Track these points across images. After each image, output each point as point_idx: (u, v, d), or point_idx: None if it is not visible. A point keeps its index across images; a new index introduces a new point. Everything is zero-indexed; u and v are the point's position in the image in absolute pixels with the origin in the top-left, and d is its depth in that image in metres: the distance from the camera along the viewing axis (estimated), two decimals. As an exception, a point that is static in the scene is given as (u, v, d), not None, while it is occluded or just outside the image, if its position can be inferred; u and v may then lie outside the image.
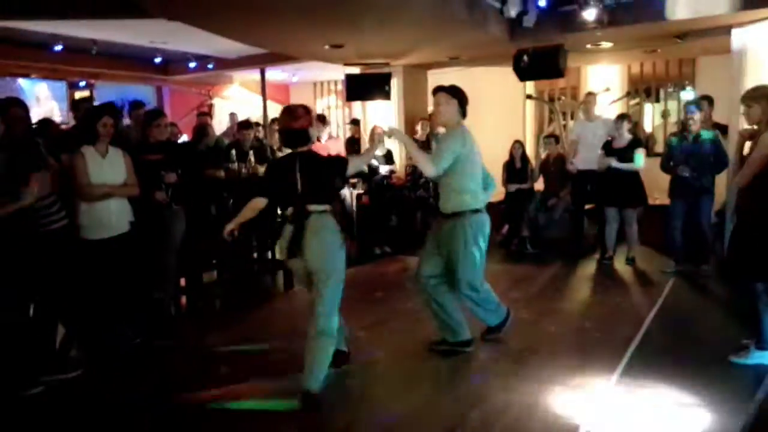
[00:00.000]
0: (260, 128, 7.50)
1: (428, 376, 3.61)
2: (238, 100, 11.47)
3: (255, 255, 6.36)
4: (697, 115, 5.59)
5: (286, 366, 3.65)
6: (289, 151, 3.42)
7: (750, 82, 5.76)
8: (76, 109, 5.62)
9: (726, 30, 6.51)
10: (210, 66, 9.92)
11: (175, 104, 10.97)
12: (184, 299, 5.21)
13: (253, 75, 10.44)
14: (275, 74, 10.80)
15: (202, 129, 6.41)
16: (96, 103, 6.02)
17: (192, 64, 9.86)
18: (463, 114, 3.74)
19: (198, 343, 4.26)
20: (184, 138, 8.17)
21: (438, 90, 3.76)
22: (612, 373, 3.45)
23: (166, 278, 4.70)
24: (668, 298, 4.98)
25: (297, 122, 3.25)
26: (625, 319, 4.46)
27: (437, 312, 3.82)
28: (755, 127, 3.44)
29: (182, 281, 5.18)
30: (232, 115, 8.65)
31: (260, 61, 9.57)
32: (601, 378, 3.40)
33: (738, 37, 6.52)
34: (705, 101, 6.13)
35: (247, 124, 6.73)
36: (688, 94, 9.11)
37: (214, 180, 5.73)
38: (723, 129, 6.06)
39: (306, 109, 3.40)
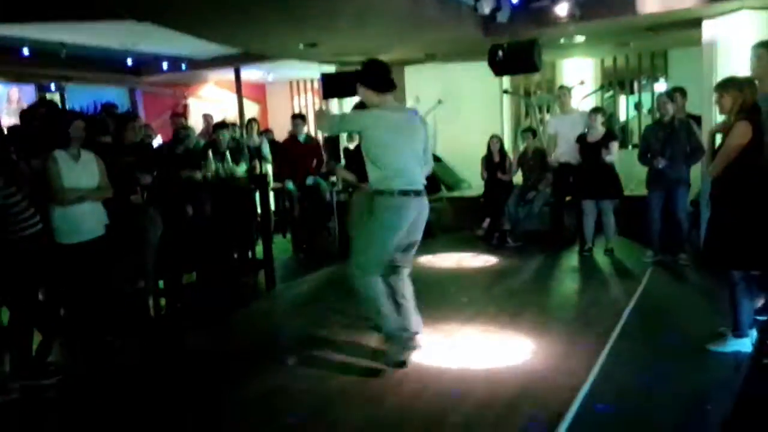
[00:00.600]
0: (236, 128, 7.43)
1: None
2: (214, 100, 11.34)
3: (235, 255, 6.30)
4: (669, 105, 5.68)
5: (265, 367, 3.64)
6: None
7: (721, 73, 5.87)
8: (28, 116, 5.29)
9: (696, 22, 6.63)
10: (183, 67, 9.78)
11: (149, 106, 10.80)
12: (163, 301, 5.14)
13: (228, 74, 10.32)
14: (250, 73, 10.69)
15: (181, 132, 6.32)
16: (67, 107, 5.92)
17: (165, 65, 9.71)
18: (378, 89, 3.45)
19: (177, 345, 4.20)
20: (158, 140, 8.06)
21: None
22: (594, 362, 3.48)
23: (144, 280, 4.65)
24: (647, 288, 5.05)
25: None
26: (605, 310, 4.51)
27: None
28: (724, 121, 3.49)
29: (161, 283, 5.12)
30: (206, 116, 8.52)
31: (235, 61, 9.47)
32: (583, 367, 3.43)
33: (708, 30, 6.64)
34: (678, 93, 6.21)
35: (222, 125, 6.67)
36: (661, 86, 9.26)
37: (191, 181, 5.67)
38: (696, 120, 6.16)
39: None
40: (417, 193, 3.48)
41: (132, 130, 4.83)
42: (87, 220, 3.95)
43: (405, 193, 3.42)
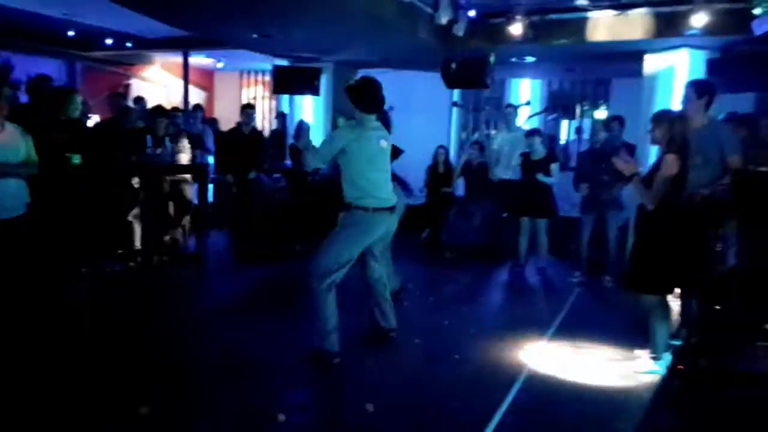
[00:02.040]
0: (179, 114, 7.18)
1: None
2: (159, 83, 10.95)
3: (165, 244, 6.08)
4: (603, 132, 5.93)
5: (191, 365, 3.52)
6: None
7: (659, 104, 6.17)
8: None
9: (639, 55, 6.93)
10: (129, 44, 9.39)
11: (89, 82, 10.31)
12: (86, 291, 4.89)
13: (176, 58, 10.00)
14: (199, 59, 10.40)
15: (124, 110, 6.03)
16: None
17: (109, 41, 9.30)
18: (364, 109, 3.69)
19: (99, 341, 4.00)
20: (96, 119, 7.69)
21: None
22: (518, 377, 3.55)
23: (65, 266, 4.42)
24: (573, 307, 5.21)
25: None
26: (531, 326, 4.61)
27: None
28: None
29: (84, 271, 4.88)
30: (140, 99, 8.12)
31: (184, 45, 9.18)
32: (507, 380, 3.49)
33: (649, 63, 6.96)
34: (616, 121, 6.46)
35: (159, 111, 6.42)
36: (602, 113, 9.63)
37: (127, 165, 5.43)
38: (631, 148, 6.41)
39: None
40: (390, 210, 3.71)
41: (69, 105, 4.59)
42: (7, 198, 3.71)
43: (379, 210, 3.62)
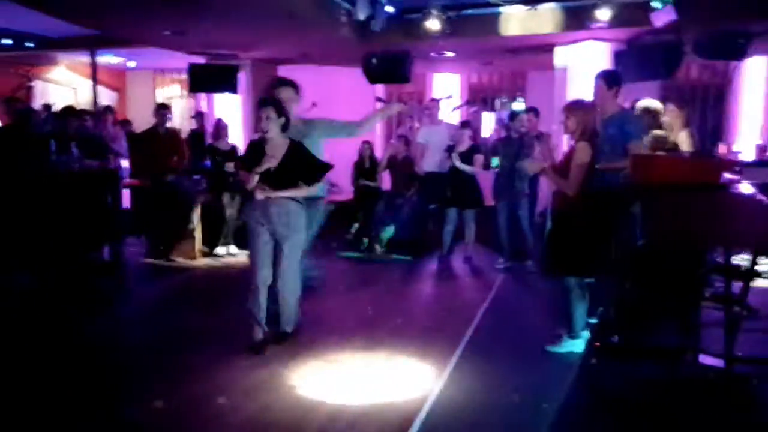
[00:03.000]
0: (88, 117, 6.80)
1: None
2: (65, 84, 10.33)
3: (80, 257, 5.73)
4: (525, 121, 6.13)
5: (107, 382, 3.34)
6: None
7: (570, 95, 6.43)
8: None
9: (551, 48, 7.20)
10: (30, 44, 8.79)
11: (-14, 85, 9.59)
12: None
13: (83, 57, 9.46)
14: (109, 58, 9.89)
15: (24, 112, 5.62)
16: None
17: (6, 41, 8.67)
18: None
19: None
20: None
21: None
22: (447, 362, 3.61)
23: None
24: (498, 292, 5.36)
25: None
26: (460, 312, 4.71)
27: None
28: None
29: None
30: (47, 106, 7.67)
31: (90, 44, 8.69)
32: (437, 366, 3.54)
33: (560, 55, 7.24)
34: (531, 112, 6.68)
35: (71, 111, 6.07)
36: (519, 105, 9.94)
37: (30, 174, 5.07)
38: (546, 139, 6.65)
39: None
40: None
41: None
42: None
43: None
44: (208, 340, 4.01)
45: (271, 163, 3.68)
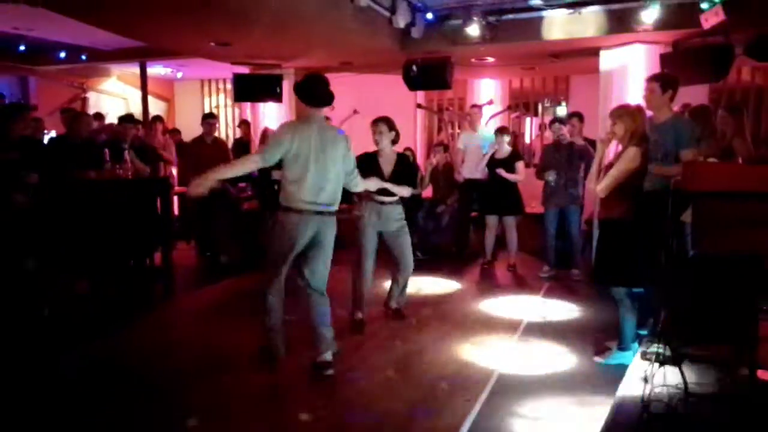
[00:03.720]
0: (140, 126, 7.05)
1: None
2: (117, 95, 10.71)
3: (131, 262, 5.94)
4: (564, 129, 6.04)
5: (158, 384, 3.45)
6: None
7: (615, 99, 6.30)
8: None
9: (595, 51, 7.07)
10: (83, 57, 9.16)
11: (44, 97, 10.01)
12: (46, 311, 4.74)
13: (133, 69, 9.79)
14: (158, 69, 10.20)
15: (74, 118, 5.82)
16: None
17: (62, 54, 9.05)
18: (308, 102, 3.62)
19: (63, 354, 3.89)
20: (52, 135, 7.49)
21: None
22: (492, 373, 3.58)
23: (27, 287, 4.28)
24: (543, 302, 5.29)
25: None
26: (504, 321, 4.67)
27: None
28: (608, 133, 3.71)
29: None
30: (99, 116, 7.95)
31: (140, 55, 8.97)
32: (482, 376, 3.52)
33: (605, 59, 7.10)
34: (575, 117, 6.58)
35: (129, 119, 6.30)
36: (562, 110, 9.79)
37: (85, 181, 5.28)
38: (592, 143, 6.55)
39: None
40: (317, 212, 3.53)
41: (20, 122, 4.46)
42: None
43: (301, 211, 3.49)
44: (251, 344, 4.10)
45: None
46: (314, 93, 3.60)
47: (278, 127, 3.74)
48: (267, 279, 3.66)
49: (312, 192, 3.48)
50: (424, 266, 6.71)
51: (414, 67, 7.24)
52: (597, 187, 3.61)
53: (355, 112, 8.94)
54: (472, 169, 6.83)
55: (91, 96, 10.35)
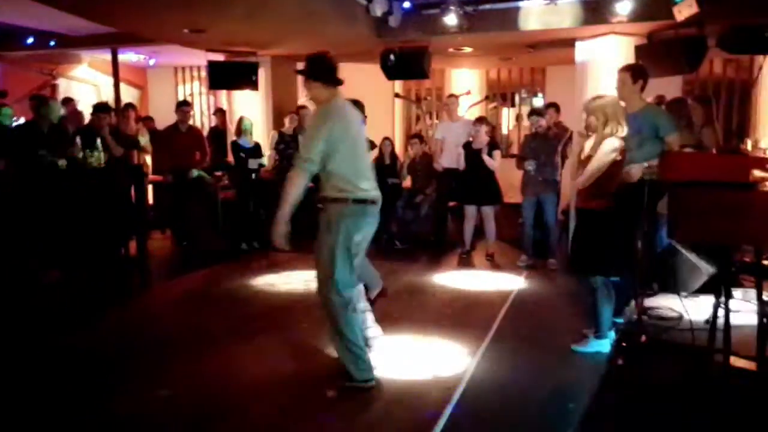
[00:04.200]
0: (112, 114, 6.89)
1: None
2: (87, 82, 10.45)
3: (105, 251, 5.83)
4: (542, 120, 6.09)
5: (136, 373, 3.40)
6: None
7: (591, 90, 6.36)
8: None
9: (570, 43, 7.12)
10: (52, 43, 8.90)
11: (12, 83, 9.72)
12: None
13: (105, 55, 9.56)
14: (130, 56, 9.98)
15: (40, 101, 5.65)
16: None
17: (30, 40, 8.79)
18: (331, 82, 3.24)
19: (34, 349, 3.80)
20: (21, 121, 7.28)
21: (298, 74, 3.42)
22: (470, 362, 3.61)
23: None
24: (520, 291, 5.34)
25: None
26: (482, 310, 4.71)
27: None
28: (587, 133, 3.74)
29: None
30: (69, 101, 7.77)
31: (112, 41, 8.76)
32: (460, 366, 3.54)
33: (581, 50, 7.16)
34: (552, 108, 6.64)
35: (103, 107, 6.16)
36: (538, 101, 9.86)
37: (54, 169, 5.16)
38: (569, 132, 6.61)
39: None
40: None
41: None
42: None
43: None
44: (223, 335, 4.06)
45: None
46: (334, 71, 3.26)
47: (309, 120, 3.35)
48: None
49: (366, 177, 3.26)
50: (402, 256, 6.74)
51: (392, 57, 7.21)
52: (577, 179, 3.64)
53: None
54: (451, 159, 6.84)
55: (61, 82, 10.09)
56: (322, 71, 3.24)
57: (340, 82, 3.29)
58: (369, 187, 3.28)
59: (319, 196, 3.25)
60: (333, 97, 3.25)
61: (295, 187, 3.10)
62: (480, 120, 6.68)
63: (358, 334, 3.26)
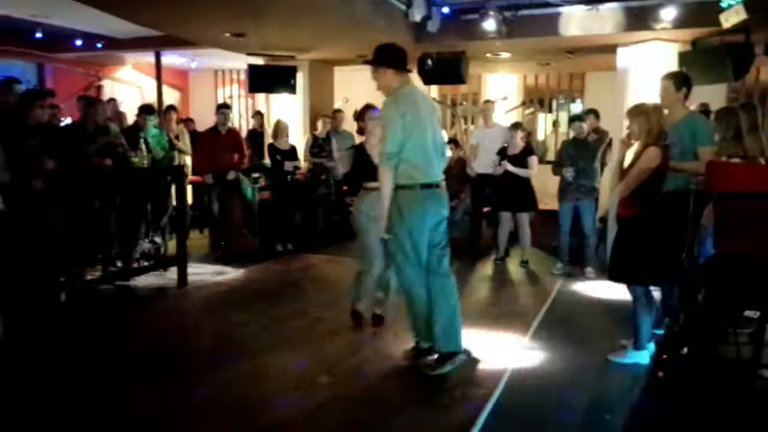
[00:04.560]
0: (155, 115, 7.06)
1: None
2: (132, 84, 10.76)
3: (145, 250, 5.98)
4: (585, 126, 6.00)
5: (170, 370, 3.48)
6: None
7: (631, 97, 6.26)
8: None
9: (612, 49, 7.03)
10: (99, 45, 9.21)
11: (60, 84, 10.07)
12: (63, 295, 4.78)
13: (148, 58, 9.83)
14: (173, 59, 10.24)
15: (89, 103, 5.83)
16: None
17: (78, 42, 9.10)
18: (403, 69, 3.33)
19: (78, 342, 3.93)
20: (68, 121, 7.53)
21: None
22: (505, 371, 3.58)
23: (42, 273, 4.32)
24: (556, 299, 5.27)
25: None
26: (517, 318, 4.66)
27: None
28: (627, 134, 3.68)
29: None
30: (112, 102, 8.01)
31: (155, 44, 9.02)
32: (495, 373, 3.52)
33: (622, 56, 7.06)
34: (591, 114, 6.55)
35: (149, 109, 6.33)
36: (577, 107, 9.74)
37: (102, 170, 5.32)
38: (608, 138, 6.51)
39: None
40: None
41: (40, 108, 4.49)
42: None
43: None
44: (254, 336, 4.12)
45: None
46: (405, 57, 3.32)
47: (382, 111, 3.37)
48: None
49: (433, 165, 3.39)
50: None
51: (429, 62, 7.23)
52: (617, 188, 3.58)
53: (345, 100, 8.91)
54: (486, 164, 6.80)
55: (106, 84, 10.41)
56: (394, 58, 3.31)
57: (410, 70, 3.35)
58: (435, 172, 3.41)
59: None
60: (404, 84, 3.32)
61: (388, 185, 3.27)
62: (516, 125, 6.63)
63: (448, 304, 3.47)
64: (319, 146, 7.44)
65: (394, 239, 3.37)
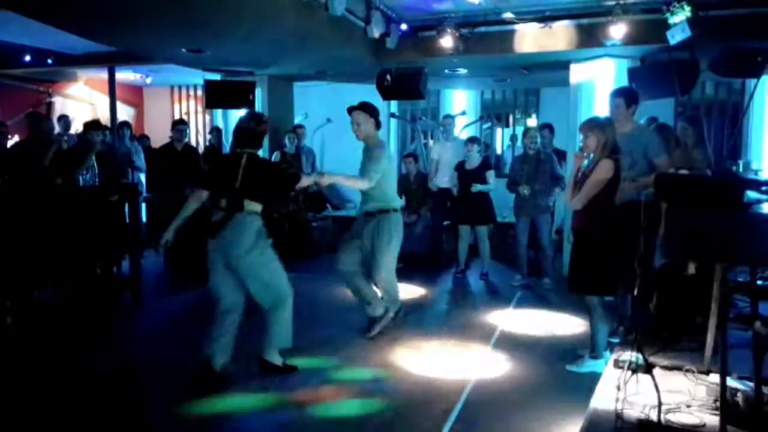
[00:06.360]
0: (107, 132, 6.89)
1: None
2: (84, 100, 10.48)
3: (98, 270, 5.77)
4: (539, 139, 6.15)
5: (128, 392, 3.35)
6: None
7: (585, 111, 6.43)
8: None
9: (565, 65, 7.20)
10: (49, 61, 8.94)
11: (7, 102, 9.74)
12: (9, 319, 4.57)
13: (102, 74, 9.59)
14: (127, 75, 10.02)
15: (36, 119, 5.64)
16: None
17: (27, 58, 8.82)
18: (378, 126, 4.49)
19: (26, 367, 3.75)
20: (15, 140, 7.27)
21: (354, 109, 4.44)
22: (467, 382, 3.58)
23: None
24: (515, 310, 5.32)
25: (260, 126, 3.66)
26: (478, 329, 4.68)
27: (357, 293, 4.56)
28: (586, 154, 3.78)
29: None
30: (63, 118, 7.79)
31: (108, 60, 8.80)
32: (457, 385, 3.51)
33: (575, 72, 7.24)
34: (546, 129, 6.69)
35: (96, 125, 6.16)
36: (533, 121, 9.94)
37: (49, 186, 5.14)
38: (561, 154, 6.66)
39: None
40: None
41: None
42: None
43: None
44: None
45: None
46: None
47: (374, 151, 4.34)
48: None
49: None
50: (398, 274, 6.70)
51: (388, 77, 7.27)
52: (572, 200, 3.66)
53: (328, 120, 8.93)
54: (446, 179, 6.87)
55: (57, 100, 10.10)
56: (377, 114, 4.49)
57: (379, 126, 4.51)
58: (398, 199, 4.57)
59: (367, 209, 4.42)
60: (377, 135, 4.47)
61: (358, 184, 4.31)
62: (472, 140, 6.72)
63: None
64: (287, 162, 7.38)
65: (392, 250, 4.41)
